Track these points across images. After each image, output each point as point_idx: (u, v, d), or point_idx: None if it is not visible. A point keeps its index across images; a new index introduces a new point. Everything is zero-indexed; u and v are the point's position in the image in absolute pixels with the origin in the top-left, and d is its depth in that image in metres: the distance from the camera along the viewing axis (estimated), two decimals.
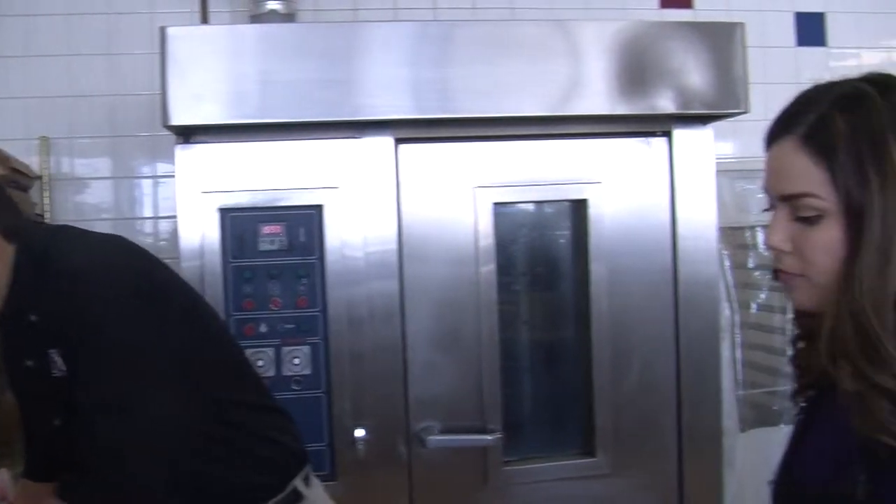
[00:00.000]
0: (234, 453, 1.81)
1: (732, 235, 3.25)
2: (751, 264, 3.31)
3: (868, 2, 3.82)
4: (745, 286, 3.32)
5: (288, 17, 3.09)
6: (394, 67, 2.49)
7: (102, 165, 3.30)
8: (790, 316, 1.52)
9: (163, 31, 2.41)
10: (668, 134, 2.69)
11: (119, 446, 1.63)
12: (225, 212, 2.49)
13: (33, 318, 1.73)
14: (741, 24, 2.67)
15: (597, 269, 2.66)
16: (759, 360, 3.30)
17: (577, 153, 2.67)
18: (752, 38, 2.77)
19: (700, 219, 2.68)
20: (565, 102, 2.57)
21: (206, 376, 1.80)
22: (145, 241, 3.19)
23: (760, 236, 3.25)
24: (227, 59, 2.45)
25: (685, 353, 2.70)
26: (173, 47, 2.41)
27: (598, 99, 2.58)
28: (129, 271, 1.76)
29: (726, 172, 3.02)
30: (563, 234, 2.82)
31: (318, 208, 2.51)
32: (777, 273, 1.39)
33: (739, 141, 3.44)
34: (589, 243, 2.66)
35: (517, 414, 2.79)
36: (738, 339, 3.27)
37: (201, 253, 2.48)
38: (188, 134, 2.52)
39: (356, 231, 2.52)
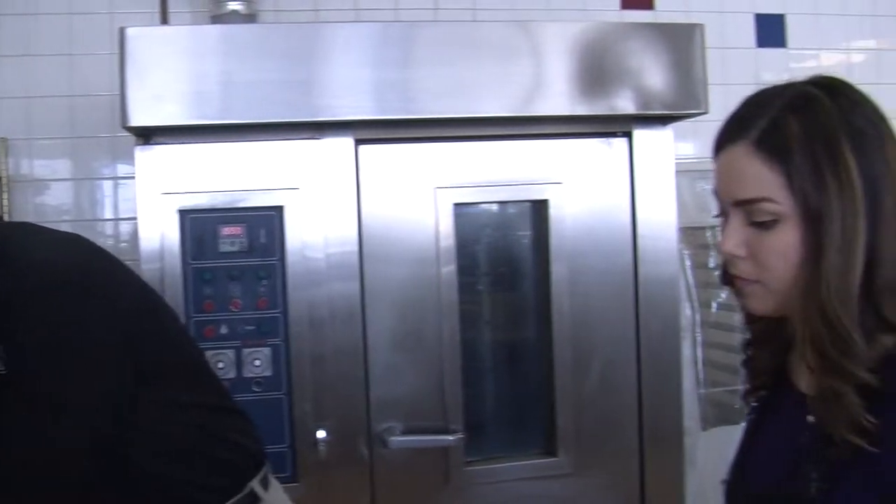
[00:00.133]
0: (192, 455, 1.80)
1: (693, 235, 3.27)
2: (711, 264, 3.33)
3: (827, 3, 3.85)
4: (705, 285, 3.34)
5: (249, 17, 3.07)
6: (355, 68, 2.48)
7: (62, 167, 3.27)
8: None
9: (122, 31, 2.40)
10: (628, 134, 2.70)
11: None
12: (185, 213, 2.48)
13: None
14: (700, 26, 2.68)
15: (558, 270, 2.67)
16: (720, 358, 3.32)
17: (538, 154, 2.68)
18: (712, 39, 2.79)
19: (660, 219, 2.69)
20: (527, 103, 2.58)
21: (165, 378, 1.79)
22: (106, 243, 3.16)
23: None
24: (187, 60, 2.44)
25: (646, 353, 2.71)
26: (132, 48, 2.39)
27: (559, 99, 2.58)
28: (85, 268, 1.75)
29: (686, 173, 3.03)
30: (525, 235, 2.83)
31: (279, 209, 2.50)
32: (729, 277, 1.40)
33: (699, 141, 3.46)
34: (550, 244, 2.67)
35: (479, 414, 2.79)
36: (698, 339, 3.29)
37: (161, 254, 2.46)
38: (148, 135, 2.50)
39: (317, 232, 2.51)
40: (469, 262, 2.76)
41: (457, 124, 2.60)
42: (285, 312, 2.51)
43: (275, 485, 1.99)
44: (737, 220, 1.35)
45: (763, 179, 1.30)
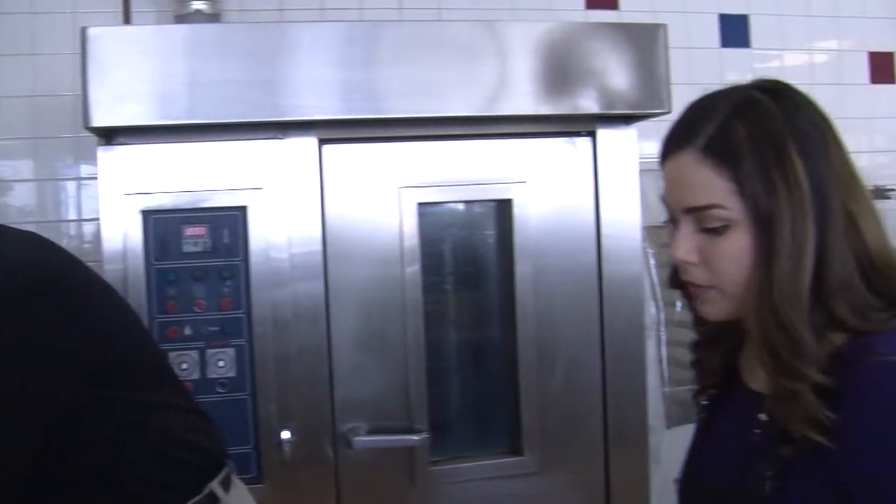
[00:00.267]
0: (150, 455, 1.79)
1: (657, 234, 3.28)
2: None
3: (791, 4, 3.88)
4: None
5: (213, 17, 3.06)
6: (319, 68, 2.48)
7: (25, 167, 3.25)
8: None
9: (83, 31, 2.38)
10: (592, 134, 2.70)
11: None
12: (148, 214, 2.46)
13: None
14: (664, 26, 2.70)
15: (522, 269, 2.67)
16: (685, 357, 3.30)
17: (502, 153, 2.68)
18: (676, 39, 2.80)
19: (624, 218, 2.70)
20: (492, 102, 2.58)
21: (125, 378, 1.78)
22: (69, 244, 3.15)
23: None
24: (150, 60, 2.42)
25: (611, 352, 2.72)
26: (94, 47, 2.38)
27: (523, 99, 2.59)
28: (44, 268, 1.74)
29: (650, 172, 3.01)
30: (489, 234, 2.83)
31: (242, 209, 2.49)
32: (678, 282, 1.40)
33: None
34: (514, 243, 2.67)
35: (444, 414, 2.79)
36: (663, 337, 3.30)
37: (124, 255, 2.45)
38: (110, 135, 2.49)
39: (280, 232, 2.50)
40: (433, 261, 2.76)
41: (421, 124, 2.59)
42: (249, 313, 2.50)
43: (238, 486, 1.98)
44: (687, 227, 1.36)
45: (712, 186, 1.31)
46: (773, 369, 1.29)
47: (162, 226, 2.47)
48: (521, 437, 2.70)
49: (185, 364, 2.46)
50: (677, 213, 1.37)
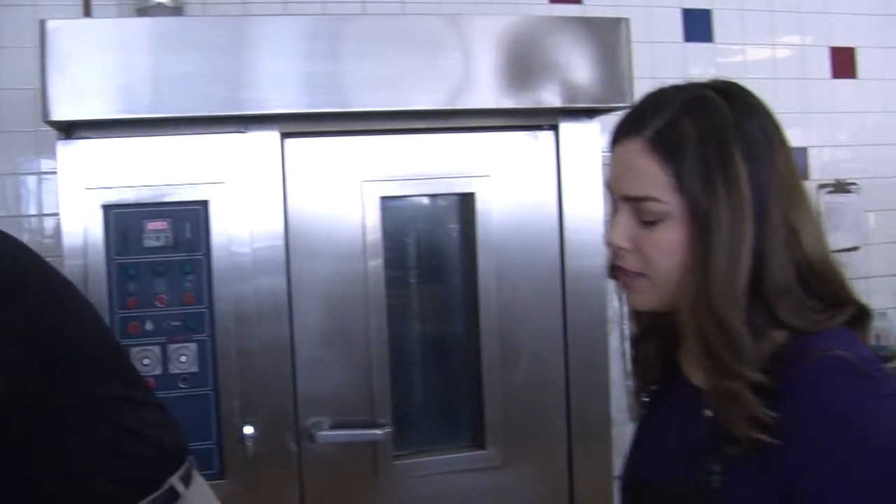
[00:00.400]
0: (106, 449, 1.79)
1: None
2: None
3: None
4: None
5: (175, 10, 3.04)
6: (282, 62, 2.47)
7: None
8: None
9: (42, 23, 2.36)
10: (555, 128, 2.71)
11: None
12: (109, 208, 2.44)
13: None
14: (626, 20, 2.71)
15: (485, 263, 2.68)
16: None
17: (465, 147, 2.69)
18: (639, 33, 2.81)
19: (587, 212, 2.71)
20: (455, 96, 2.58)
21: (79, 372, 1.77)
22: (30, 239, 3.11)
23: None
24: (111, 53, 2.40)
25: (573, 345, 2.73)
26: (53, 40, 2.36)
27: (487, 93, 2.59)
28: (1, 264, 1.73)
29: None
30: (452, 228, 2.83)
31: (204, 204, 2.48)
32: (615, 271, 1.41)
33: None
34: (476, 237, 2.67)
35: (407, 408, 2.79)
36: (626, 331, 3.29)
37: (84, 250, 2.43)
38: (70, 129, 2.47)
39: (243, 227, 2.49)
40: (396, 255, 2.76)
41: (384, 118, 2.59)
42: (211, 308, 2.49)
43: (198, 481, 1.97)
44: (625, 214, 1.37)
45: (653, 178, 1.32)
46: (709, 367, 1.30)
47: (123, 220, 2.45)
48: (485, 430, 2.71)
49: (146, 359, 2.44)
50: (618, 199, 1.39)
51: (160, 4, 3.00)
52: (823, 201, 3.99)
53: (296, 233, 2.55)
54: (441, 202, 2.84)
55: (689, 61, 3.77)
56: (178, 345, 2.47)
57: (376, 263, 2.60)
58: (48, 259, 1.95)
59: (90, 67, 2.37)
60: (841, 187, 4.03)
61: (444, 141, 2.67)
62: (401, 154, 2.64)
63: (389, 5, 3.41)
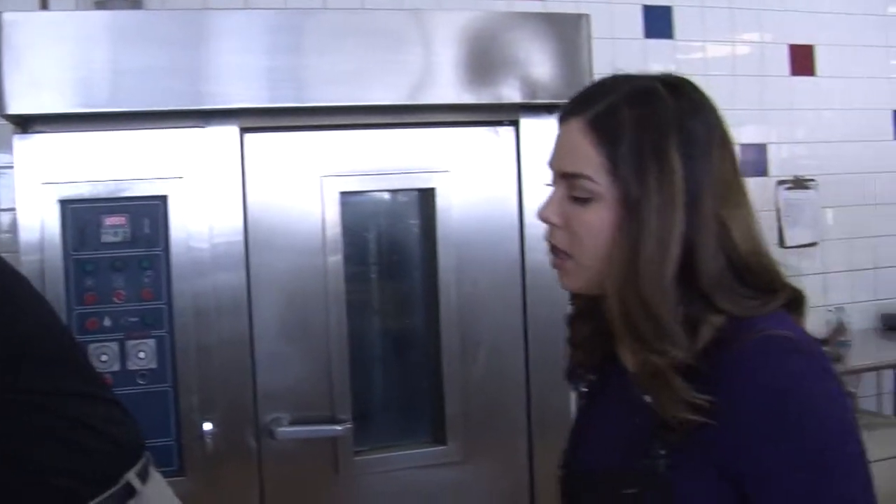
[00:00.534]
0: (64, 445, 1.78)
1: None
2: None
3: None
4: None
5: (134, 3, 3.03)
6: (242, 56, 2.46)
7: None
8: None
9: None
10: (515, 123, 2.72)
11: None
12: (66, 203, 2.42)
13: None
14: (586, 16, 2.72)
15: (445, 258, 2.68)
16: None
17: (425, 142, 2.69)
18: (601, 29, 2.82)
19: None
20: (415, 91, 2.58)
21: (37, 369, 1.76)
22: None
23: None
24: (68, 46, 2.39)
25: (534, 340, 2.73)
26: (9, 33, 2.34)
27: (447, 88, 2.60)
28: None
29: None
30: (412, 224, 2.83)
31: (163, 199, 2.47)
32: (552, 249, 1.43)
33: None
34: (437, 232, 2.67)
35: (367, 403, 2.79)
36: None
37: (41, 246, 2.41)
38: (27, 123, 2.44)
39: (202, 222, 2.48)
40: (356, 251, 2.75)
41: (344, 112, 2.59)
42: (170, 304, 2.47)
43: (156, 477, 1.96)
44: (559, 191, 1.39)
45: (587, 158, 1.34)
46: (637, 349, 1.32)
47: (80, 215, 2.43)
48: (445, 426, 2.71)
49: (104, 356, 2.42)
50: (556, 176, 1.41)
51: None
52: (782, 197, 4.03)
53: (255, 228, 2.54)
54: (401, 197, 2.84)
55: (649, 58, 3.80)
56: (137, 341, 2.45)
57: (336, 259, 2.60)
58: (4, 254, 1.93)
59: (47, 61, 2.36)
60: (799, 183, 4.07)
61: (404, 136, 2.67)
62: (361, 149, 2.63)
63: (351, 0, 3.40)
